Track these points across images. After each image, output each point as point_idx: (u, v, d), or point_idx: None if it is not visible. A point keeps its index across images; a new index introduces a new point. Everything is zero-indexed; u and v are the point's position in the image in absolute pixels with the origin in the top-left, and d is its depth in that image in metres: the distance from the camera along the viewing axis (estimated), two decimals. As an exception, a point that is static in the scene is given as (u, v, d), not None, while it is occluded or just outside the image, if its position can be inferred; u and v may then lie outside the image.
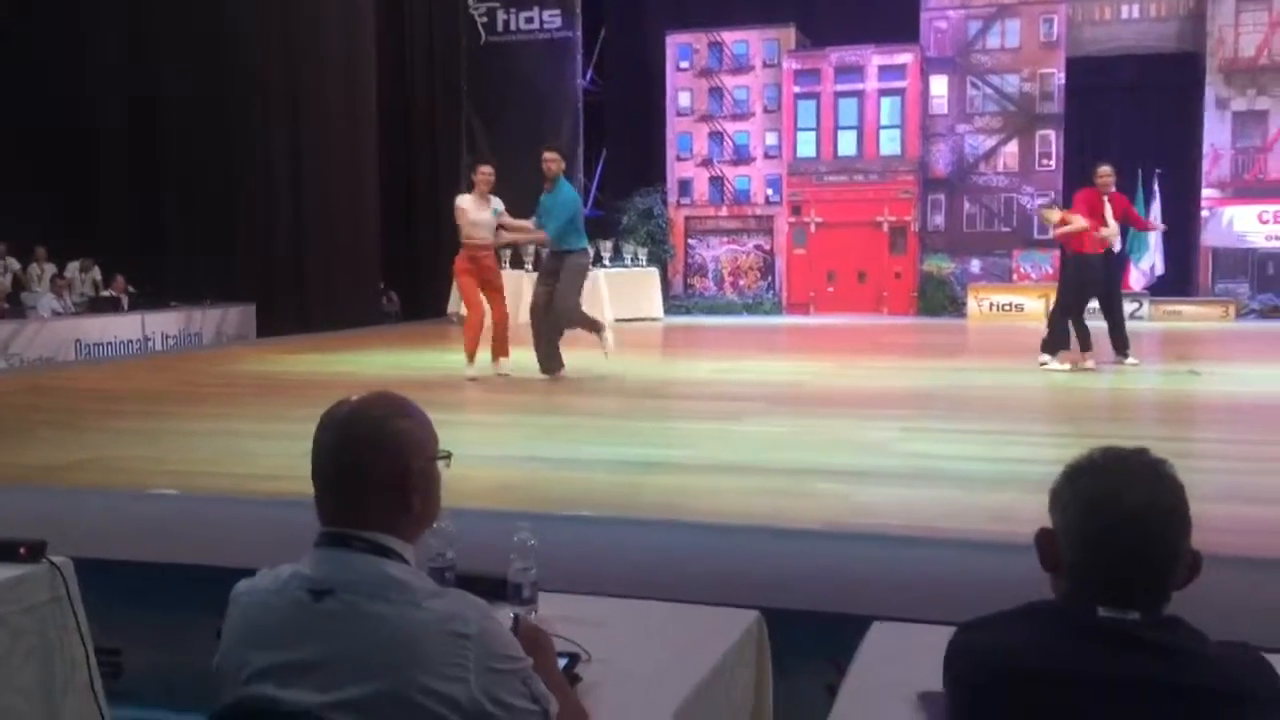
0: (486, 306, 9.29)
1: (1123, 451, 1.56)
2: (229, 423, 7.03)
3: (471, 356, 9.12)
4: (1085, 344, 9.68)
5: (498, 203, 9.19)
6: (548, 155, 9.11)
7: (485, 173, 9.22)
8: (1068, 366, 9.56)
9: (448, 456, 1.72)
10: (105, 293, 14.12)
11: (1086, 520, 1.52)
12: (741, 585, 3.25)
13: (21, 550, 2.84)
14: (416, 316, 17.61)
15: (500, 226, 9.28)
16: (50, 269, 14.05)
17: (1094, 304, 9.92)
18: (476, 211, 9.12)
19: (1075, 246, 9.65)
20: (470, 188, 9.30)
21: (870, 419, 6.97)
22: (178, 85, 14.88)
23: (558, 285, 9.05)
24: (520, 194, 10.11)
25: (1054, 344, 9.75)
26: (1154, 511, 1.49)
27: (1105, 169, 9.96)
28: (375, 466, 1.61)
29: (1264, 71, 16.35)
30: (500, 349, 9.30)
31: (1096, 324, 9.76)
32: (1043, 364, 9.66)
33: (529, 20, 18.76)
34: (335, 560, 1.59)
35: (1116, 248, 10.18)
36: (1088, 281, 9.71)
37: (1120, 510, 1.49)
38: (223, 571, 3.56)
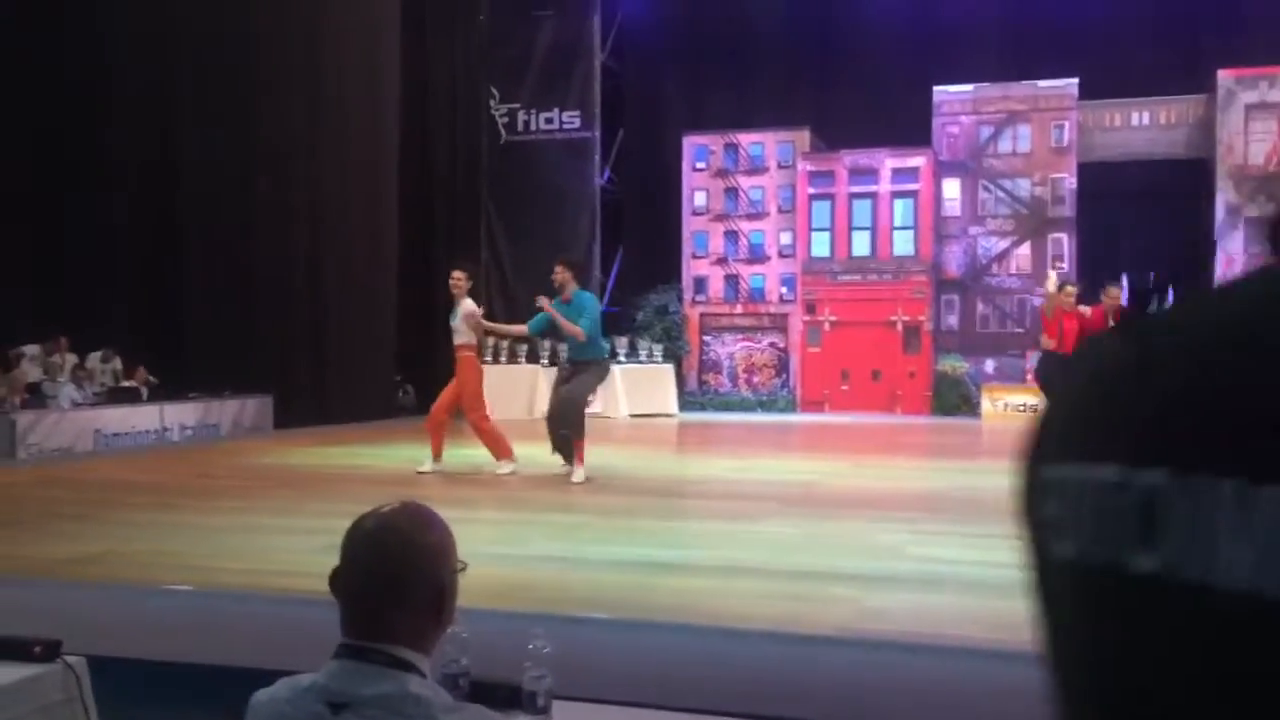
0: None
1: None
2: (245, 516, 7.06)
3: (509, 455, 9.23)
4: None
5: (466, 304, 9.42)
6: (556, 268, 9.30)
7: (455, 277, 9.51)
8: None
9: (464, 568, 1.75)
10: (125, 383, 14.25)
11: None
12: (754, 693, 3.24)
13: (36, 649, 2.87)
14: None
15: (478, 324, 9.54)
16: (71, 359, 14.20)
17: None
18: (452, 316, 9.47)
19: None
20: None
21: (883, 521, 6.96)
22: (200, 180, 15.18)
23: (571, 384, 9.13)
24: (536, 289, 10.28)
25: None
26: None
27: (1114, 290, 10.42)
28: (405, 583, 1.64)
29: (1274, 179, 16.53)
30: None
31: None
32: None
33: (549, 121, 19.15)
34: (354, 673, 1.61)
35: None
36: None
37: None
38: (235, 671, 3.58)
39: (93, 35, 15.19)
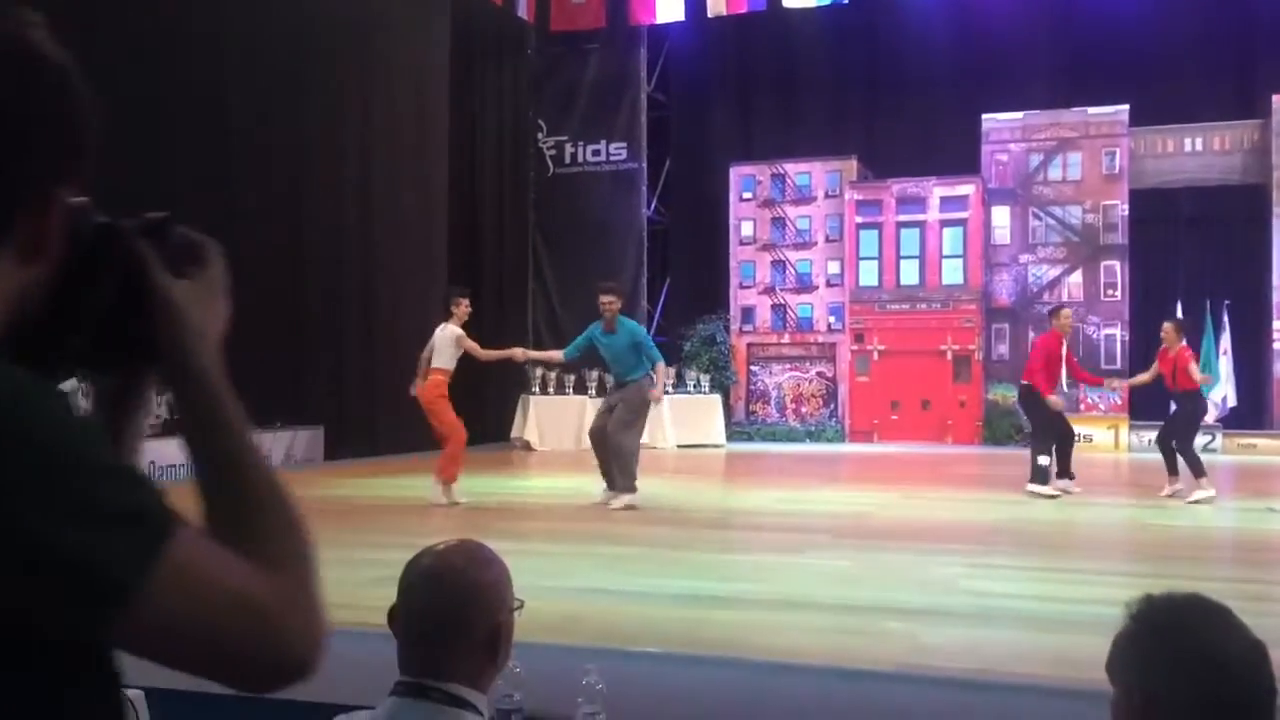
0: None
1: (1185, 597, 1.50)
2: (296, 548, 7.10)
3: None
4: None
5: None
6: (610, 297, 9.42)
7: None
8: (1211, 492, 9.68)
9: (521, 605, 1.76)
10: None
11: (1195, 680, 1.42)
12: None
13: (96, 682, 2.90)
14: (480, 440, 17.76)
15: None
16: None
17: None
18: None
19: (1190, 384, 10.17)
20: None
21: (935, 554, 6.89)
22: (252, 212, 15.40)
23: (617, 415, 9.16)
24: (582, 319, 10.41)
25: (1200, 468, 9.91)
26: (1262, 666, 1.43)
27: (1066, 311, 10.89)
28: (463, 622, 1.65)
29: (1330, 204, 16.27)
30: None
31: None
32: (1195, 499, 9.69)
33: (596, 153, 19.27)
34: (414, 711, 1.62)
35: None
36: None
37: (1230, 666, 1.41)
38: (290, 705, 3.60)
39: (146, 69, 15.49)
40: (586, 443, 10.04)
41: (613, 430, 9.12)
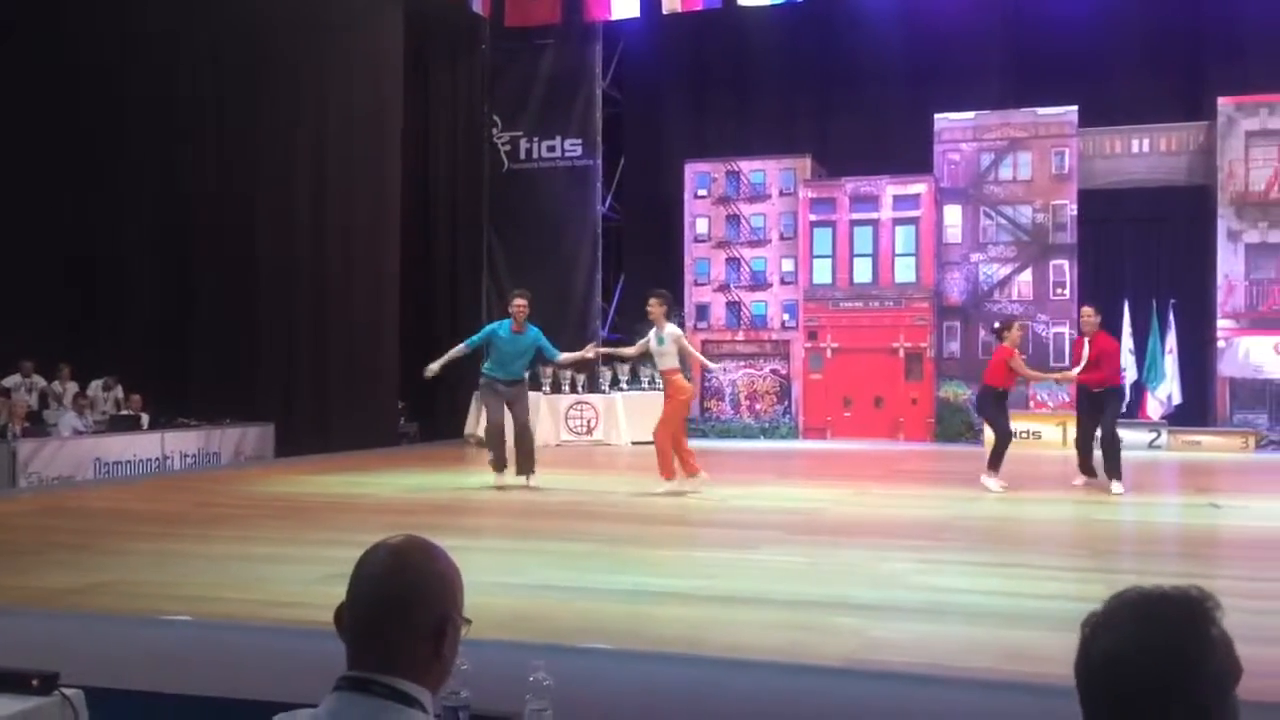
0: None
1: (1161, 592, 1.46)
2: (245, 546, 7.02)
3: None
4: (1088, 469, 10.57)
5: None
6: (520, 302, 10.37)
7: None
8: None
9: (469, 623, 1.73)
10: (125, 411, 14.22)
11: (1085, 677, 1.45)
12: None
13: (34, 681, 2.84)
14: (434, 438, 17.67)
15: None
16: (73, 387, 14.18)
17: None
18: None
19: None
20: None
21: (887, 549, 6.93)
22: (204, 210, 15.22)
23: (521, 409, 10.31)
24: (536, 315, 10.64)
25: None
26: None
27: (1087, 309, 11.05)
28: (414, 613, 1.62)
29: (1274, 205, 16.54)
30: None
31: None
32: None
33: (551, 149, 19.20)
34: (357, 706, 1.59)
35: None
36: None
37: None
38: (235, 704, 3.55)
39: (105, 68, 15.26)
40: (541, 439, 10.14)
41: (526, 422, 10.18)
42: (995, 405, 10.92)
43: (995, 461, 10.54)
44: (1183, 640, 1.41)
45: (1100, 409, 10.52)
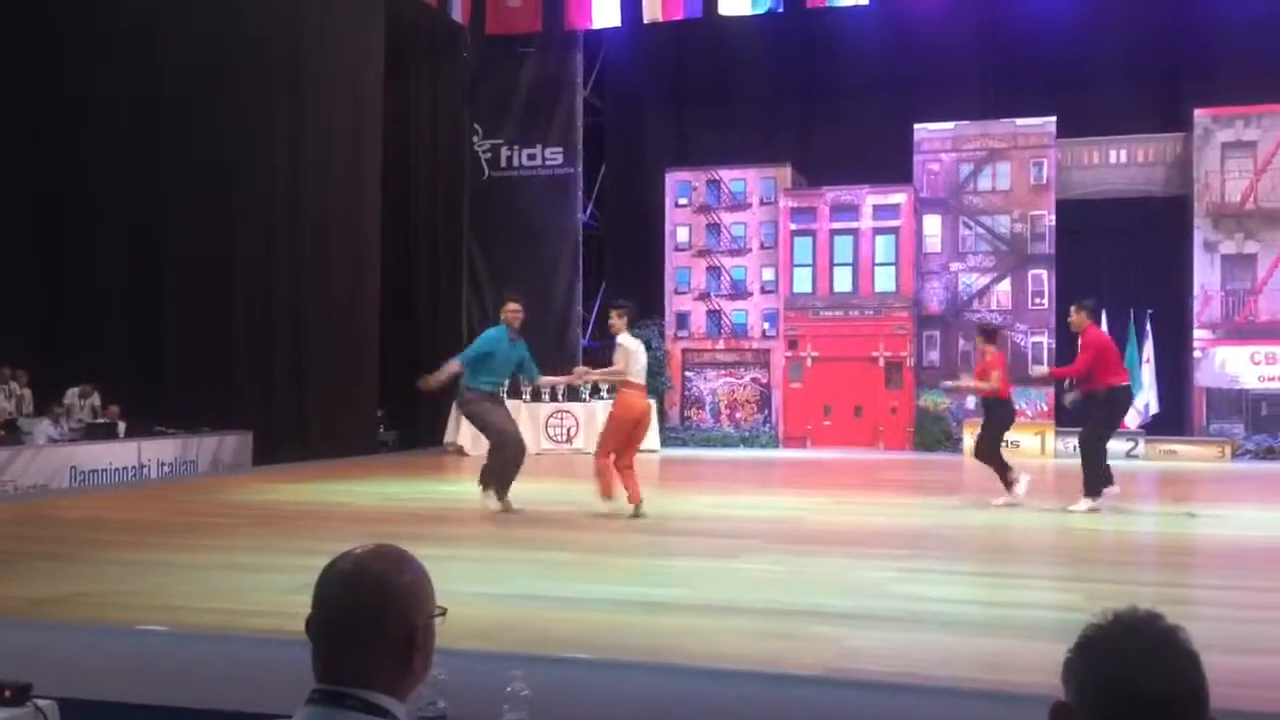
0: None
1: (1136, 622, 1.50)
2: (222, 555, 6.97)
3: None
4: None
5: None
6: (515, 306, 9.56)
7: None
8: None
9: (443, 613, 1.72)
10: (101, 419, 14.12)
11: (1103, 705, 1.46)
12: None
13: (5, 693, 2.82)
14: (413, 445, 17.63)
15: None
16: (29, 395, 14.07)
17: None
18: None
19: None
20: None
21: (866, 558, 6.94)
22: (180, 213, 15.12)
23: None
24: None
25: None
26: (1175, 699, 1.44)
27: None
28: (382, 624, 1.61)
29: (1250, 216, 16.70)
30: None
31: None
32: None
33: (531, 157, 19.22)
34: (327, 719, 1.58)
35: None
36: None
37: (1139, 699, 1.43)
38: (211, 714, 3.53)
39: (76, 67, 15.17)
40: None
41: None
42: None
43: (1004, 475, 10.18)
44: (1200, 668, 1.48)
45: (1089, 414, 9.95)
